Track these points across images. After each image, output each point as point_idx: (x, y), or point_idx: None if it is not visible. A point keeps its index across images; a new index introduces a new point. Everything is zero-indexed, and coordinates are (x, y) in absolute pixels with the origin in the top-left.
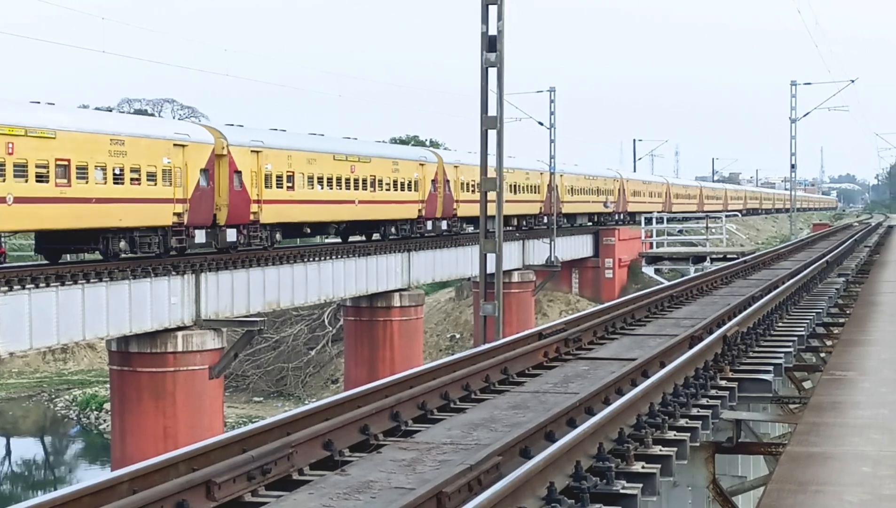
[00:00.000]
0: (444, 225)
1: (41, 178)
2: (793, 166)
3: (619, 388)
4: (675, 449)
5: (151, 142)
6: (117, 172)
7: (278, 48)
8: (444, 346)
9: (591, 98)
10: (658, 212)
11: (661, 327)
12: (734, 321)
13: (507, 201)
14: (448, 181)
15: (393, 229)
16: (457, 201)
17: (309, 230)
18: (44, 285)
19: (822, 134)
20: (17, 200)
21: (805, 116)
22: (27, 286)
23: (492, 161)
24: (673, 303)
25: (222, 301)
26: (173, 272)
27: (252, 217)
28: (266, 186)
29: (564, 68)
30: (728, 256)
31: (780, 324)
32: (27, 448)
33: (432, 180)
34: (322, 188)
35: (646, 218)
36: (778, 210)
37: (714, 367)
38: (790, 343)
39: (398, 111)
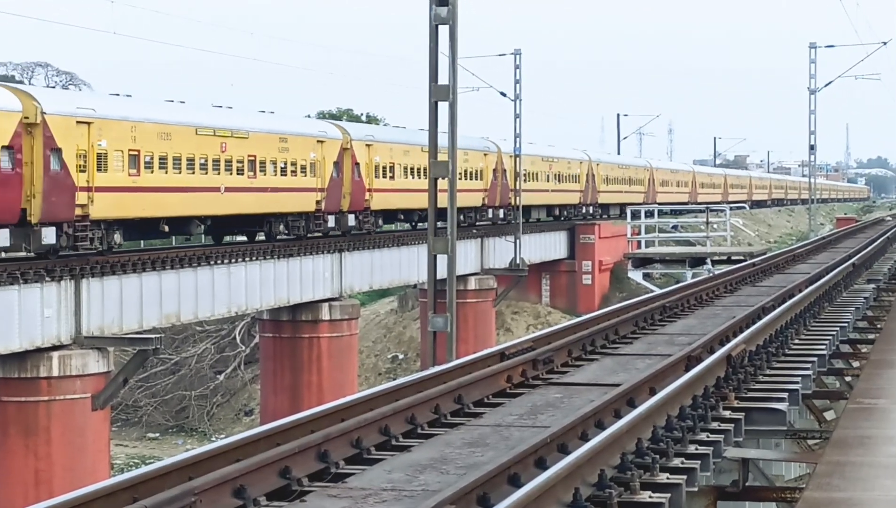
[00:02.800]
0: (501, 213)
1: (240, 171)
2: (812, 147)
3: (599, 421)
4: (669, 496)
5: (304, 139)
6: (282, 165)
7: (176, 2)
8: (384, 369)
9: (565, 64)
10: (679, 204)
11: (651, 345)
12: (740, 337)
13: (551, 191)
14: (505, 171)
15: (461, 217)
16: (512, 190)
17: (403, 217)
18: None
19: (847, 109)
20: (227, 189)
21: (827, 85)
22: None
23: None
24: (666, 316)
25: (109, 314)
26: (47, 278)
27: (365, 204)
28: (375, 176)
29: (532, 27)
30: (733, 257)
31: (797, 341)
32: None
33: (493, 170)
34: (414, 178)
35: (632, 211)
36: (804, 201)
37: (716, 394)
38: (808, 365)
39: (326, 79)
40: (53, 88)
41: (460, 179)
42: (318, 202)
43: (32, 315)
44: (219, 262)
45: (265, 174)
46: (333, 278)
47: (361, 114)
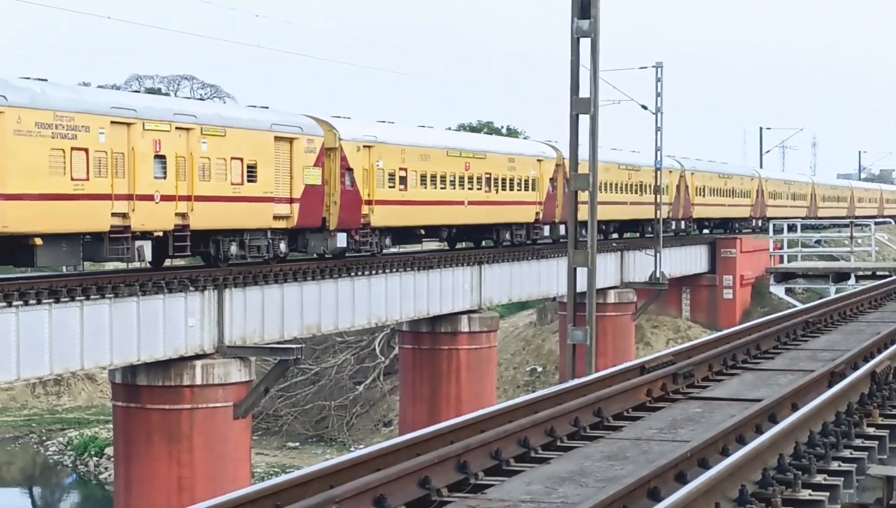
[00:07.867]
0: (682, 225)
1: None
2: None
3: (740, 436)
4: None
5: (526, 159)
6: (510, 181)
7: (318, 15)
8: (522, 381)
9: (706, 76)
10: (869, 218)
11: (793, 360)
12: (885, 353)
13: (789, 207)
14: (687, 187)
15: (650, 228)
16: (693, 205)
17: (605, 227)
18: (34, 301)
19: None
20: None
21: None
22: (14, 303)
23: (608, 153)
24: (808, 331)
25: (251, 324)
26: (191, 288)
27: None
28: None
29: (674, 39)
30: (878, 272)
31: None
32: (12, 501)
33: (677, 186)
34: (614, 193)
35: (775, 226)
36: None
37: (860, 411)
38: None
39: (466, 91)
40: (202, 99)
41: (731, 196)
42: (536, 214)
43: (176, 325)
44: (359, 273)
45: (507, 190)
46: (473, 291)
47: (501, 127)
